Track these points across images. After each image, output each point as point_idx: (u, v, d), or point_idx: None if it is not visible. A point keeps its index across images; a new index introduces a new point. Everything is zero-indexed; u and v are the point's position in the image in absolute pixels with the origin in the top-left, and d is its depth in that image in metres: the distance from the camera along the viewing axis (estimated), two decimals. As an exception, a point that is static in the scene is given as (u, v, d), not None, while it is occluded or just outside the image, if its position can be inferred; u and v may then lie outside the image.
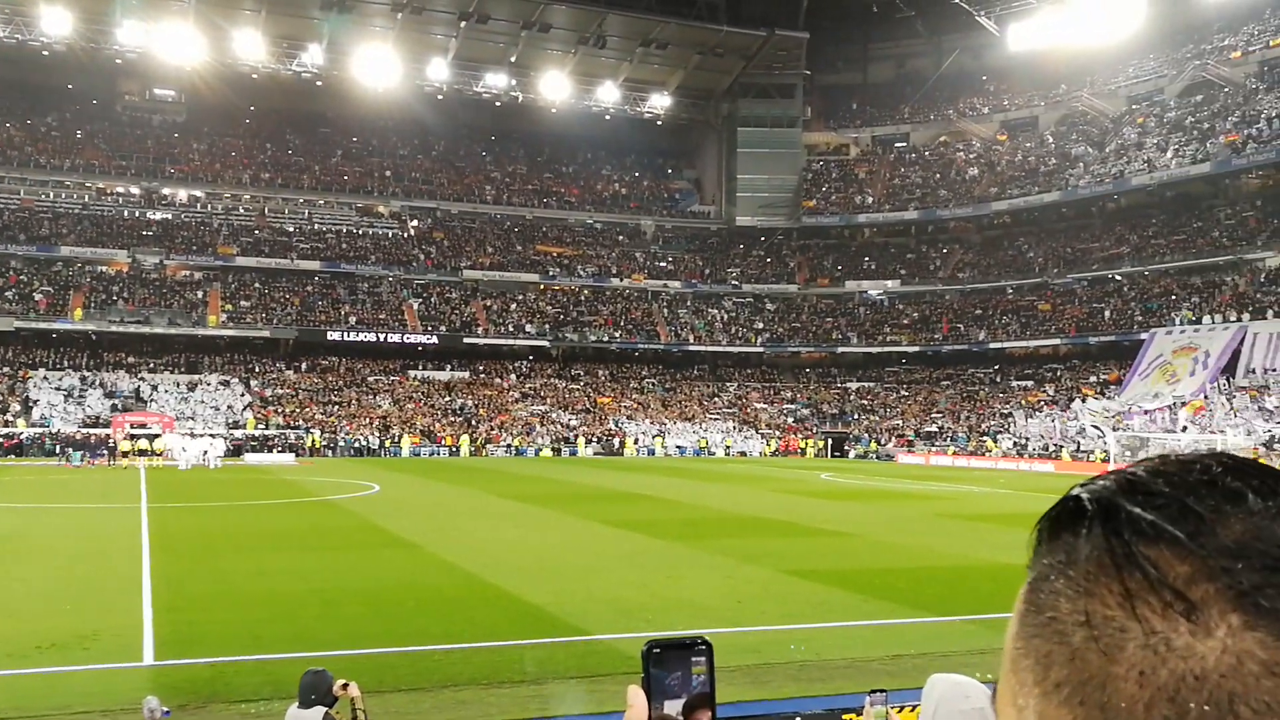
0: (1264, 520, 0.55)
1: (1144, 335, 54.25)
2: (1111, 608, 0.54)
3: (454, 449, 55.06)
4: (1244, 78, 61.30)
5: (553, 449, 56.81)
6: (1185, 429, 44.80)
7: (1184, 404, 47.27)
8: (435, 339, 62.82)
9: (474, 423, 58.38)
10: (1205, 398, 47.48)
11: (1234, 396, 46.98)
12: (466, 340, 63.50)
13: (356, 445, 54.02)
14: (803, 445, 60.02)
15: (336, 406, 57.60)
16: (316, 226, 68.65)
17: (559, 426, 59.68)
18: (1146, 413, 48.06)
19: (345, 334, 61.11)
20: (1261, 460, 0.60)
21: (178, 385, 56.33)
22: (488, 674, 10.35)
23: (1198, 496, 0.56)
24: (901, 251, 73.82)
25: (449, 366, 63.79)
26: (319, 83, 67.27)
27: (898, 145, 77.43)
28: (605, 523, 23.57)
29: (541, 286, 68.90)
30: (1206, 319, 52.42)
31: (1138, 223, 63.23)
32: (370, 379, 61.43)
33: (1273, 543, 0.54)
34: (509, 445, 56.51)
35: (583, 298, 69.43)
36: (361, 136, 74.69)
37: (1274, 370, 47.25)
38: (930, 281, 70.39)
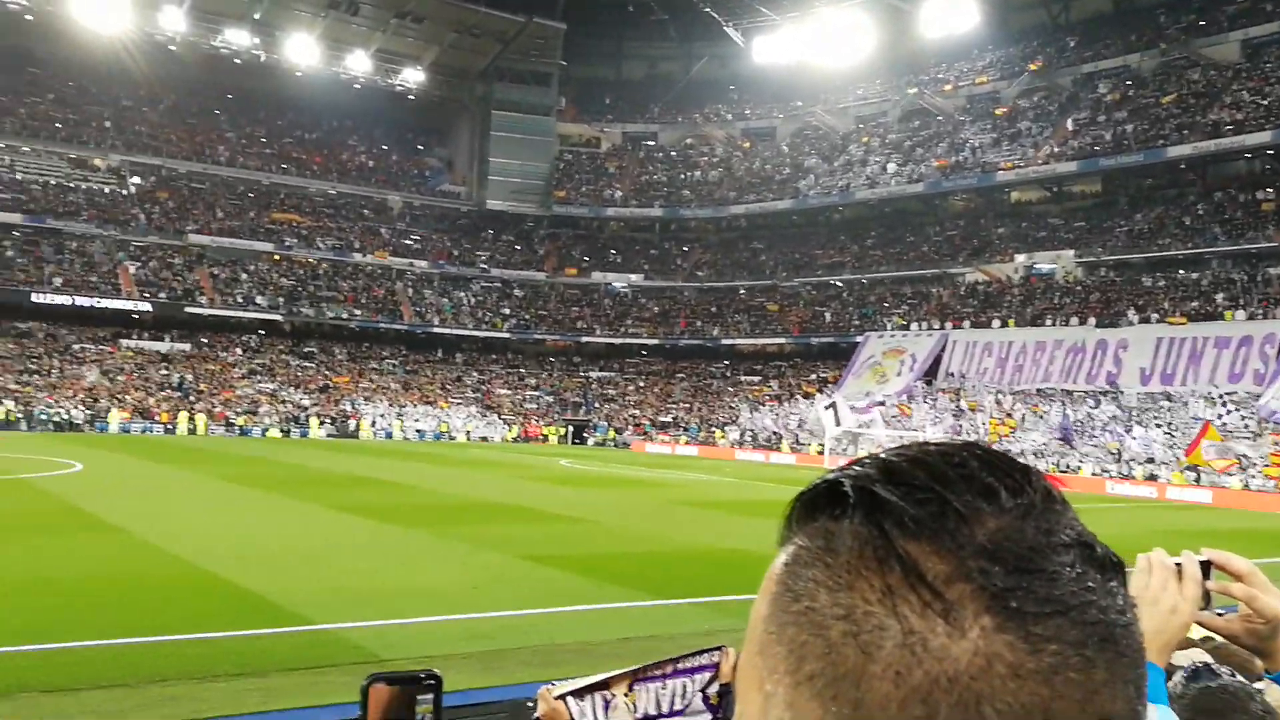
0: (1015, 519, 0.56)
1: (859, 338, 58.34)
2: (872, 604, 0.54)
3: (170, 426, 51.49)
4: (953, 109, 67.17)
5: (281, 429, 54.28)
6: (888, 425, 48.80)
7: (889, 402, 51.27)
8: (152, 307, 58.48)
9: (193, 399, 54.84)
10: (909, 397, 51.70)
11: (935, 397, 51.41)
12: (189, 310, 59.45)
13: (57, 419, 49.42)
14: (545, 432, 60.43)
15: (36, 376, 52.44)
16: (19, 175, 61.91)
17: (289, 406, 57.08)
18: (864, 408, 51.74)
19: (49, 296, 55.69)
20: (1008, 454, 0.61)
21: None
22: (201, 667, 9.69)
23: (955, 492, 0.56)
24: (646, 246, 75.74)
25: (168, 337, 59.51)
26: (28, 16, 60.74)
27: (646, 143, 79.33)
28: (335, 508, 22.73)
29: (276, 257, 65.57)
30: (914, 326, 57.02)
31: (859, 234, 67.85)
32: (76, 347, 56.34)
33: (1023, 544, 0.55)
34: (232, 424, 53.50)
35: (321, 271, 66.63)
36: (78, 82, 67.86)
37: (967, 375, 52.05)
38: (672, 277, 72.66)
